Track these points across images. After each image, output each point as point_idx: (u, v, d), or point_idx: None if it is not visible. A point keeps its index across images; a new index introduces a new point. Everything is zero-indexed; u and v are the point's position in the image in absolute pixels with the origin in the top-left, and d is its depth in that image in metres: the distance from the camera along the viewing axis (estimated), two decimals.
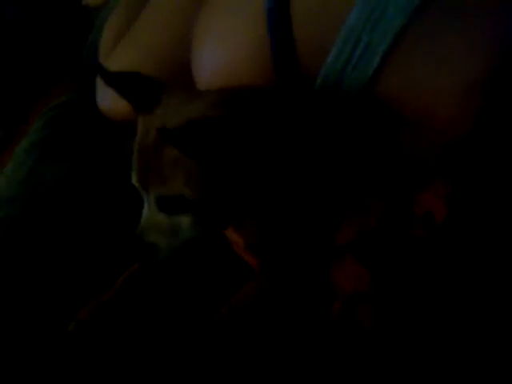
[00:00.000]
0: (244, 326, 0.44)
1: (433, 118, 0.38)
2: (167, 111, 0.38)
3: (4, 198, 0.52)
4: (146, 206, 0.40)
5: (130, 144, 0.42)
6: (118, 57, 0.52)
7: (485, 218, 0.41)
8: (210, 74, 0.45)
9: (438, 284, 0.41)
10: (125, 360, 0.44)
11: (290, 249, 0.44)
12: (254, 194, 0.38)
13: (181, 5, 0.49)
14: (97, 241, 0.51)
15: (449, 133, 0.39)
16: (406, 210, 0.40)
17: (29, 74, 0.71)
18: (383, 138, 0.40)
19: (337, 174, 0.41)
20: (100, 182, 0.53)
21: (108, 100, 0.52)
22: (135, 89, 0.40)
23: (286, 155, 0.37)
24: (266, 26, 0.40)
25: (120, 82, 0.40)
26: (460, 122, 0.38)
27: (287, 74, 0.41)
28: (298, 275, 0.45)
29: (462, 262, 0.41)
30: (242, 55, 0.42)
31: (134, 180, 0.39)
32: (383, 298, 0.42)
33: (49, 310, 0.47)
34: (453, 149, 0.40)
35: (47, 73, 0.70)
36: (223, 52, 0.43)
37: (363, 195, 0.41)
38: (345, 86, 0.40)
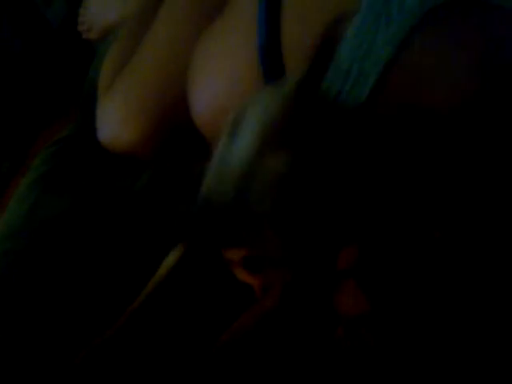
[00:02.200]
0: (246, 351, 0.44)
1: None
2: None
3: (8, 233, 0.53)
4: None
5: (132, 176, 0.42)
6: (116, 92, 0.53)
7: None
8: (207, 109, 0.46)
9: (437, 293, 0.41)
10: None
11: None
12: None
13: (179, 36, 0.50)
14: (102, 275, 0.51)
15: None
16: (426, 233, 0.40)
17: (33, 105, 0.73)
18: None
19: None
20: (103, 215, 0.53)
21: (108, 132, 0.53)
22: None
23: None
24: (260, 67, 0.41)
25: None
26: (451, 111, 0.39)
27: None
28: (306, 297, 0.45)
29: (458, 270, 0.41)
30: (237, 91, 0.43)
31: None
32: (384, 319, 0.42)
33: (52, 346, 0.47)
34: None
35: (51, 105, 0.71)
36: (219, 89, 0.44)
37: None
38: (344, 104, 0.40)
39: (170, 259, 0.49)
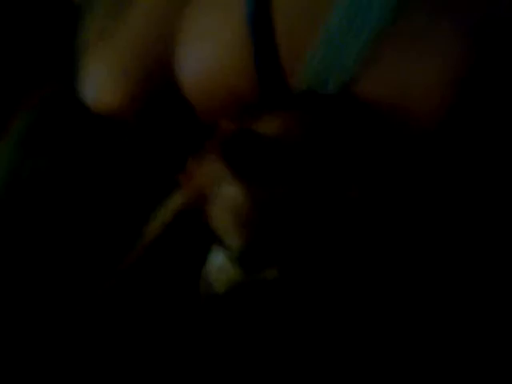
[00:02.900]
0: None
1: (407, 114, 0.39)
2: None
3: None
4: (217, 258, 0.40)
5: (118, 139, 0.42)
6: (99, 54, 0.52)
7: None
8: (194, 74, 0.45)
9: None
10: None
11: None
12: None
13: (163, 3, 0.49)
14: (78, 239, 0.50)
15: (422, 126, 0.40)
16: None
17: (14, 69, 0.71)
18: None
19: None
20: (82, 177, 0.53)
21: (93, 92, 0.52)
22: None
23: None
24: (247, 28, 0.41)
25: None
26: (433, 117, 0.40)
27: (269, 78, 0.42)
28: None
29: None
30: (226, 57, 0.43)
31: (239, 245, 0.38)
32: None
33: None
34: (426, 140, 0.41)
35: (33, 68, 0.70)
36: (207, 53, 0.44)
37: None
38: (328, 88, 0.41)
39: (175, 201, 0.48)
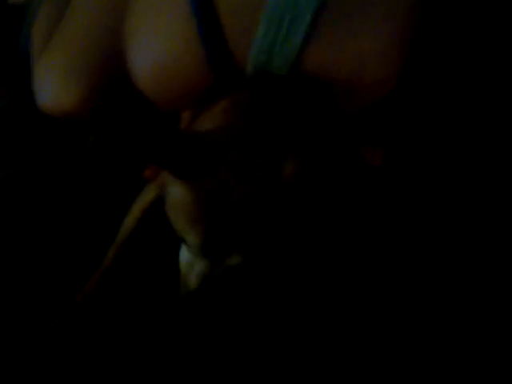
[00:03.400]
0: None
1: (359, 80, 0.40)
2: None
3: None
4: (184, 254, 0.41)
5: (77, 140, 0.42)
6: (51, 55, 0.51)
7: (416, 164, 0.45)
8: (146, 67, 0.45)
9: None
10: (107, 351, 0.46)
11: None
12: None
13: (106, 3, 0.49)
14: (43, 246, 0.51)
15: (375, 91, 0.42)
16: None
17: None
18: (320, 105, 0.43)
19: None
20: (55, 181, 0.53)
21: (47, 97, 0.51)
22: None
23: None
24: (194, 20, 0.41)
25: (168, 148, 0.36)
26: (384, 81, 0.41)
27: (220, 63, 0.42)
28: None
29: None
30: (175, 49, 0.43)
31: (197, 241, 0.38)
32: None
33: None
34: (381, 105, 0.43)
35: None
36: (157, 47, 0.44)
37: None
38: (275, 65, 0.42)
39: (144, 199, 0.49)
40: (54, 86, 0.50)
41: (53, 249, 0.51)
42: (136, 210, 0.50)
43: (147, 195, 0.50)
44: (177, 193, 0.36)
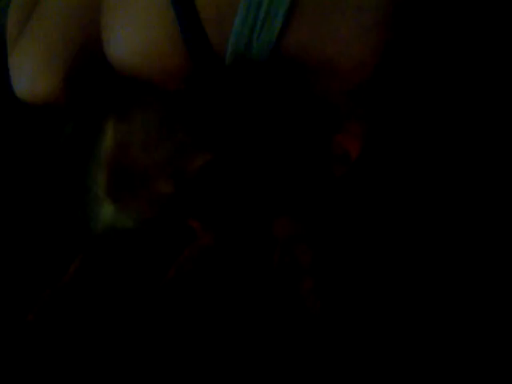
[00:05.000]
0: (192, 285, 0.46)
1: (337, 66, 0.40)
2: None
3: None
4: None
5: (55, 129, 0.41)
6: (26, 41, 0.50)
7: (397, 154, 0.44)
8: (124, 55, 0.45)
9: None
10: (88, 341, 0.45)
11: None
12: None
13: None
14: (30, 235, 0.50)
15: (353, 77, 0.41)
16: (326, 151, 0.43)
17: None
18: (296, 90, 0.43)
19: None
20: (30, 170, 0.52)
21: (24, 82, 0.49)
22: None
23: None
24: (171, 8, 0.41)
25: None
26: (362, 66, 0.41)
27: (199, 50, 0.42)
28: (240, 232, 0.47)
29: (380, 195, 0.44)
30: (154, 36, 0.43)
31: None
32: (317, 239, 0.45)
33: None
34: (360, 92, 0.42)
35: None
36: (135, 34, 0.43)
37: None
38: (254, 52, 0.41)
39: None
40: (30, 71, 0.49)
41: (30, 237, 0.50)
42: None
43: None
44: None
